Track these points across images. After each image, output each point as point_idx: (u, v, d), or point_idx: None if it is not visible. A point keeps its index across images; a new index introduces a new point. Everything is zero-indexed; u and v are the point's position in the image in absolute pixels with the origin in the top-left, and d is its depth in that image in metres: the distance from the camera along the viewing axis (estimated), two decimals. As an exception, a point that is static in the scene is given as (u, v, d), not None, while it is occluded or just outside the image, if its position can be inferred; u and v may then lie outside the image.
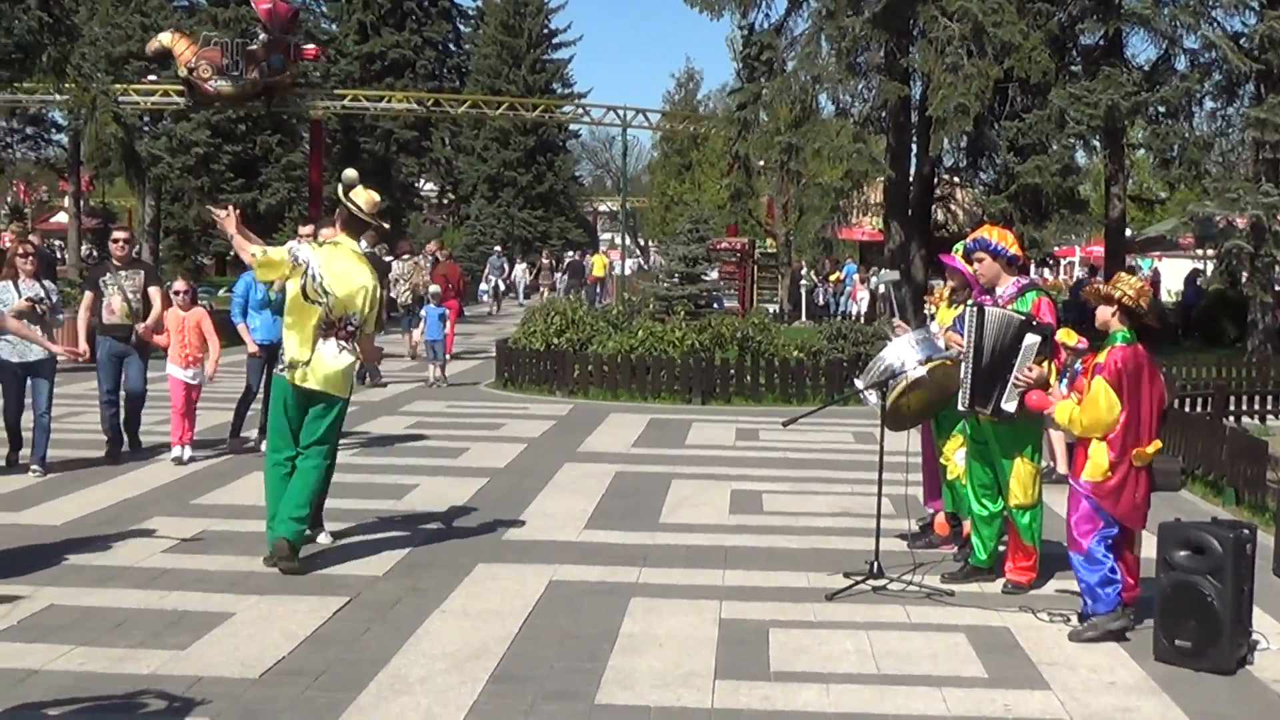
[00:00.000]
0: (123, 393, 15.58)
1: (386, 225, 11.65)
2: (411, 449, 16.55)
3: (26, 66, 33.56)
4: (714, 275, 37.76)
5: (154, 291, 15.50)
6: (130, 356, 15.43)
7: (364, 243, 11.53)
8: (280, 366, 10.58)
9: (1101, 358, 8.81)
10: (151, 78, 47.96)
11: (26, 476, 14.03)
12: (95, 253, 54.82)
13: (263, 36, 50.61)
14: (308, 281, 10.26)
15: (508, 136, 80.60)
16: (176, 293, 15.61)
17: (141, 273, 15.76)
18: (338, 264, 10.39)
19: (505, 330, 32.52)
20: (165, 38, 50.03)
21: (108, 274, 15.46)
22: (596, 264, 58.04)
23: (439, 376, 24.73)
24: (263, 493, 10.70)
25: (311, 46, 53.45)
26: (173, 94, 53.70)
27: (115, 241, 15.89)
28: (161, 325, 15.37)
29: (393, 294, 30.54)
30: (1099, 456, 8.78)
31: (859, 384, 10.67)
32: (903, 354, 10.33)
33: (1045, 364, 9.65)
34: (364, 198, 10.77)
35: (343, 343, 10.41)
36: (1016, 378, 9.63)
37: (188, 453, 15.20)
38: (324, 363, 10.33)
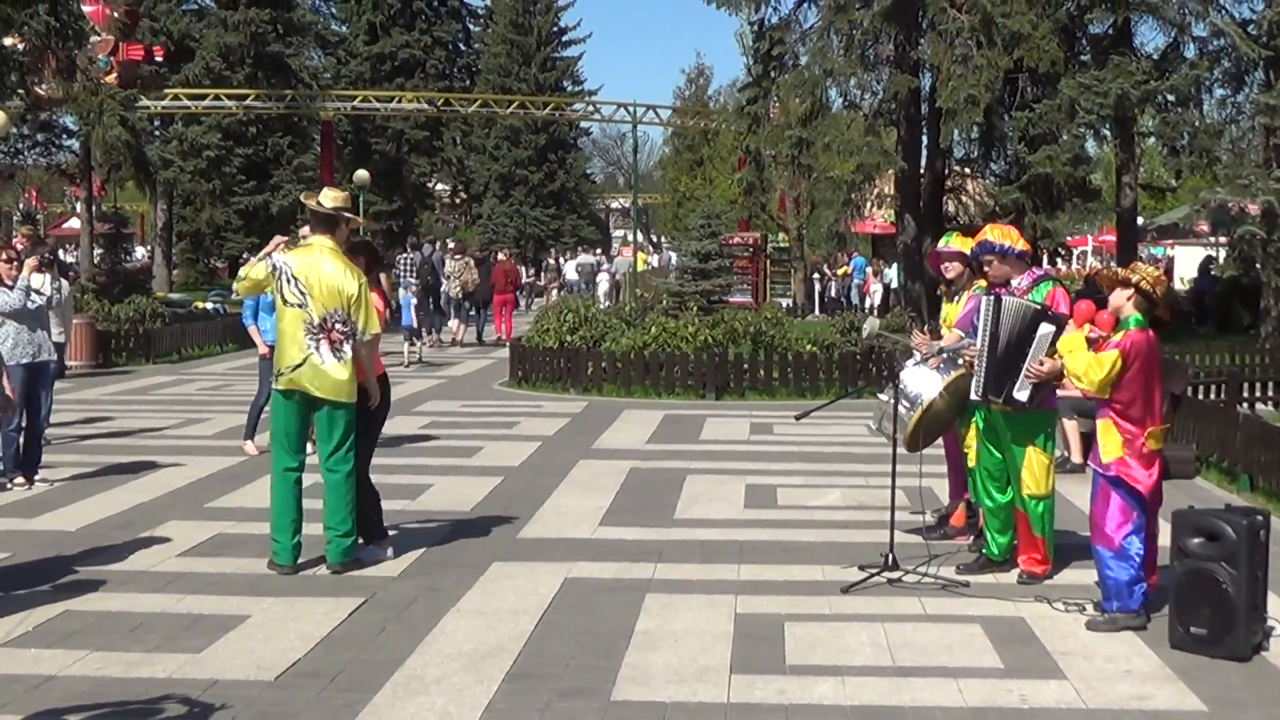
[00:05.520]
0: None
1: (356, 215, 11.31)
2: (425, 449, 16.56)
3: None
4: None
5: None
6: None
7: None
8: (273, 376, 10.46)
9: (1117, 338, 8.79)
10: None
11: (41, 484, 13.88)
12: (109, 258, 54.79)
13: (94, 39, 50.57)
14: (283, 285, 10.15)
15: (519, 135, 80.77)
16: None
17: None
18: (310, 262, 10.22)
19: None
20: (7, 42, 50.11)
21: None
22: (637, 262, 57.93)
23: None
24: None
25: (138, 46, 53.33)
26: (184, 98, 53.83)
27: None
28: None
29: (444, 289, 34.62)
30: (1110, 434, 8.76)
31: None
32: (925, 383, 10.29)
33: (1057, 356, 9.59)
34: (328, 195, 10.65)
35: (337, 348, 10.18)
36: (1029, 368, 9.62)
37: None
38: (318, 368, 10.14)
